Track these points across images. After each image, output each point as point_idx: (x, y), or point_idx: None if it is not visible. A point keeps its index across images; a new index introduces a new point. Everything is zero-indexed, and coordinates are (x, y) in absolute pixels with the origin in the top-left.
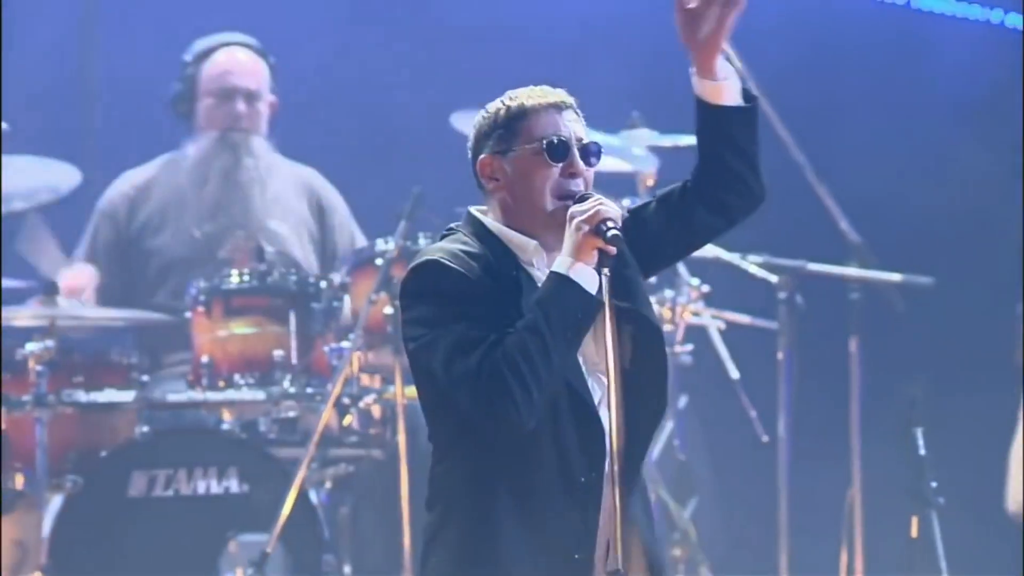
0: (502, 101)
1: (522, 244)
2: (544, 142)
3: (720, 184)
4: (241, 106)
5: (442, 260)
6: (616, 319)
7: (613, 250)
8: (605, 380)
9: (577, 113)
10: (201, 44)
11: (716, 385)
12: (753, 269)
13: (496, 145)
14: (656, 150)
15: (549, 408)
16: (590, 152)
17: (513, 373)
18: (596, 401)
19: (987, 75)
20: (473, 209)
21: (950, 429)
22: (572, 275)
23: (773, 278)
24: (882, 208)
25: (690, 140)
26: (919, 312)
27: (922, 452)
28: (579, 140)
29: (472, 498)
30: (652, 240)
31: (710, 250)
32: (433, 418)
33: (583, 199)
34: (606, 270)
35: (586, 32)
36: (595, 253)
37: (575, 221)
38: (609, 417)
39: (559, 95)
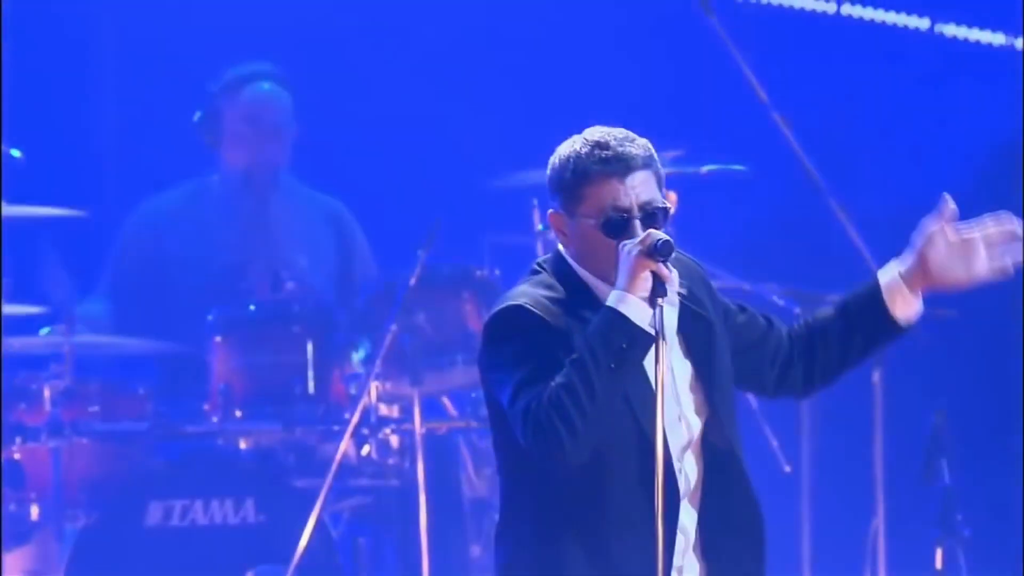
0: (571, 154)
1: (601, 286)
2: (602, 220)
3: (825, 362)
4: (266, 144)
5: (524, 305)
6: (696, 374)
7: (667, 274)
8: (690, 424)
9: (650, 170)
10: (227, 76)
11: (737, 414)
12: (775, 298)
13: (562, 205)
14: (680, 176)
15: (617, 448)
16: (655, 218)
17: (556, 409)
18: (681, 446)
19: (1012, 102)
20: (562, 247)
21: (974, 460)
22: (621, 308)
23: (796, 307)
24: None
25: (712, 167)
26: (942, 343)
27: (947, 483)
28: (644, 206)
29: (540, 536)
30: (754, 359)
31: (731, 279)
32: (499, 456)
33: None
34: (660, 300)
35: (613, 57)
36: (648, 280)
37: (626, 247)
38: (655, 447)
39: (629, 155)
